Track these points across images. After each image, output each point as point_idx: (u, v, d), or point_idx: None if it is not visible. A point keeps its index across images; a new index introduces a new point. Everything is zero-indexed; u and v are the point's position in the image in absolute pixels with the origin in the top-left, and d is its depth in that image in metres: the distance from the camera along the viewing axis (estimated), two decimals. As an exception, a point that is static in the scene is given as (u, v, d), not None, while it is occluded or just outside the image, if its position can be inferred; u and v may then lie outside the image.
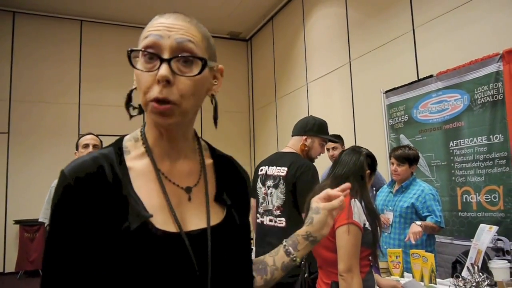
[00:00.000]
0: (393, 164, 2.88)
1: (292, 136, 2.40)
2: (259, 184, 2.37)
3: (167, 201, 0.73)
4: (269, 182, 2.28)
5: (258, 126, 7.47)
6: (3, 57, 6.14)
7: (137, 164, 0.74)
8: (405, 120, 4.00)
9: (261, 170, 2.38)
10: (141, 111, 0.76)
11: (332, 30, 5.31)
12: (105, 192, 0.68)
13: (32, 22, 6.32)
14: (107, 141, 0.98)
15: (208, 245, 0.72)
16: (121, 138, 0.79)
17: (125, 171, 0.72)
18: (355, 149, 1.90)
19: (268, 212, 2.26)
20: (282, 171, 2.23)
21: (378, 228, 1.76)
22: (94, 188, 0.68)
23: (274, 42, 6.92)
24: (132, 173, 0.73)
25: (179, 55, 0.72)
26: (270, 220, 2.24)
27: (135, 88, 0.75)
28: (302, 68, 6.00)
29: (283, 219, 2.18)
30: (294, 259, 0.91)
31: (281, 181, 2.21)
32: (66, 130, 6.37)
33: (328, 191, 0.97)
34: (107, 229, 0.66)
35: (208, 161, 0.85)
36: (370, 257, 1.77)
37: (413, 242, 2.49)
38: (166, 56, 0.70)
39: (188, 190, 0.77)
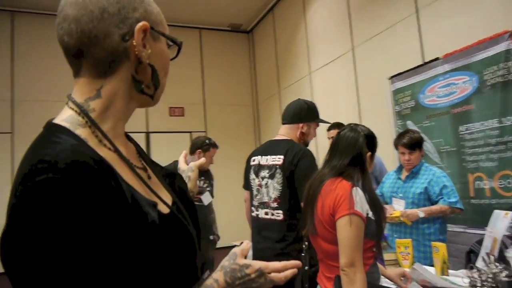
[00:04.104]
0: (403, 153, 2.74)
1: (284, 123, 2.26)
2: (252, 175, 2.24)
3: (145, 184, 0.69)
4: (264, 173, 2.15)
5: (263, 118, 7.36)
6: (3, 56, 6.06)
7: (101, 153, 0.63)
8: (412, 105, 3.84)
9: (253, 161, 2.25)
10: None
11: (334, 17, 5.16)
12: (111, 188, 0.57)
13: (32, 21, 6.24)
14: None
15: (185, 215, 0.75)
16: (59, 126, 0.63)
17: (106, 163, 0.61)
18: (353, 129, 1.76)
19: (263, 204, 2.13)
20: (277, 159, 2.10)
21: (382, 217, 1.64)
22: (102, 185, 0.56)
23: (275, 33, 6.78)
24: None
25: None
26: (266, 213, 2.11)
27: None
28: (305, 58, 5.86)
29: (280, 211, 2.06)
30: None
31: (277, 171, 2.08)
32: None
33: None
34: (129, 226, 0.57)
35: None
36: (375, 249, 1.65)
37: (408, 223, 2.50)
38: None
39: (145, 169, 0.76)
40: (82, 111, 0.65)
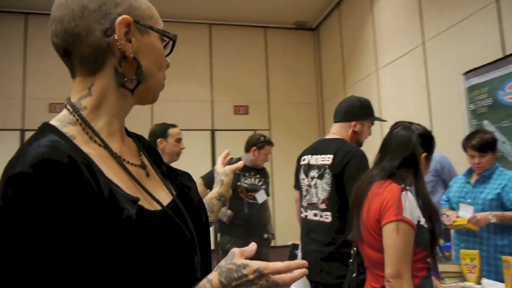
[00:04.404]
0: (473, 156, 2.49)
1: (336, 122, 2.16)
2: (301, 175, 2.17)
3: (136, 182, 0.68)
4: (313, 173, 2.07)
5: (328, 117, 7.19)
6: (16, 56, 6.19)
7: (89, 149, 0.65)
8: (489, 104, 3.49)
9: (303, 160, 2.18)
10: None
11: (403, 9, 4.87)
12: (84, 182, 0.57)
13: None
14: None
15: (185, 215, 0.73)
16: (50, 125, 0.66)
17: (88, 159, 0.62)
18: (406, 127, 1.61)
19: (312, 205, 2.05)
20: (327, 159, 2.01)
21: (437, 225, 1.49)
22: (73, 180, 0.56)
23: (341, 29, 6.58)
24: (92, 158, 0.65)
25: None
26: (315, 215, 2.03)
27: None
28: (372, 54, 5.61)
29: (328, 213, 1.97)
30: (211, 221, 1.02)
31: (326, 171, 1.99)
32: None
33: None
34: (102, 222, 0.57)
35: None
36: (428, 260, 1.51)
37: (475, 228, 2.30)
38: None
39: (144, 166, 0.75)
40: (74, 110, 0.68)
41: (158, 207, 0.69)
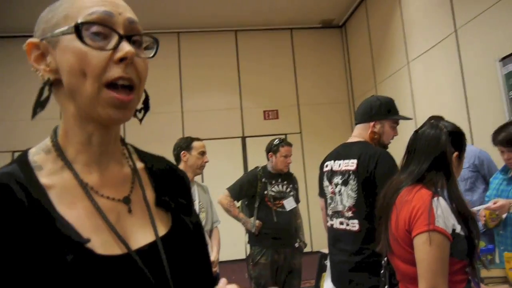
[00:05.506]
0: (502, 152, 2.34)
1: (356, 124, 2.05)
2: (325, 183, 2.07)
3: (103, 218, 0.60)
4: (337, 179, 1.96)
5: (360, 116, 6.98)
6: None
7: (55, 180, 0.60)
8: (532, 90, 3.24)
9: (326, 166, 2.08)
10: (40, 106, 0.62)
11: (432, -2, 4.64)
12: (17, 219, 0.53)
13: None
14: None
15: (163, 259, 0.63)
16: (24, 152, 0.63)
17: (41, 191, 0.58)
18: (433, 126, 1.47)
19: (337, 213, 1.95)
20: (351, 164, 1.90)
21: (474, 231, 1.35)
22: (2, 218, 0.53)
23: (369, 24, 6.39)
24: (52, 192, 0.59)
25: (136, 35, 0.63)
26: (341, 223, 1.93)
27: (49, 80, 0.62)
28: (402, 47, 5.38)
29: (355, 221, 1.86)
30: None
31: (350, 177, 1.88)
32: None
33: None
34: (33, 265, 0.52)
35: (139, 164, 0.72)
36: (467, 269, 1.37)
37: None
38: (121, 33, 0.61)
39: (126, 201, 0.65)
40: (51, 136, 0.65)
41: (118, 250, 0.60)
